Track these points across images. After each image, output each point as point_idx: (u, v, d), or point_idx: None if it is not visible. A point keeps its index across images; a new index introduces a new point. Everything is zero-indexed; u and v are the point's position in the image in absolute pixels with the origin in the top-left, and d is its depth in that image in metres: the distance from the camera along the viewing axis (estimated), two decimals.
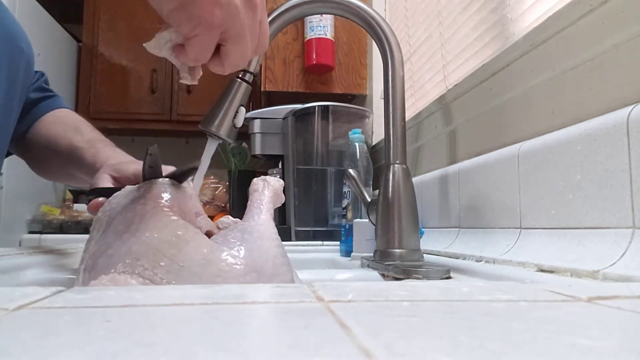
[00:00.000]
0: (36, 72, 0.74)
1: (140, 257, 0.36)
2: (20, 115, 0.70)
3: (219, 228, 0.45)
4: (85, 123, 0.73)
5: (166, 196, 0.41)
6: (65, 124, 0.72)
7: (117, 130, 2.43)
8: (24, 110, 0.71)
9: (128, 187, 0.44)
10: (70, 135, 0.69)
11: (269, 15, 0.73)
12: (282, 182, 0.51)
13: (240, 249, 0.38)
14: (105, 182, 0.55)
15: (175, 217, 0.39)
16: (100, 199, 0.50)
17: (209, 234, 0.41)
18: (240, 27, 0.41)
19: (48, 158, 0.72)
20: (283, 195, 0.51)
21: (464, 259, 0.62)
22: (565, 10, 0.54)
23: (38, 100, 0.73)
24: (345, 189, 1.07)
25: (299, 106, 1.33)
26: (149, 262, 0.36)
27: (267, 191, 0.48)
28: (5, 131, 0.66)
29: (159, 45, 0.42)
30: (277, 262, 0.40)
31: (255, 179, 0.51)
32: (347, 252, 0.90)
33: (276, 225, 0.45)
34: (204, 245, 0.37)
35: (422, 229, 0.82)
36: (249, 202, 0.47)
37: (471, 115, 0.76)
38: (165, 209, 0.39)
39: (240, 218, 0.46)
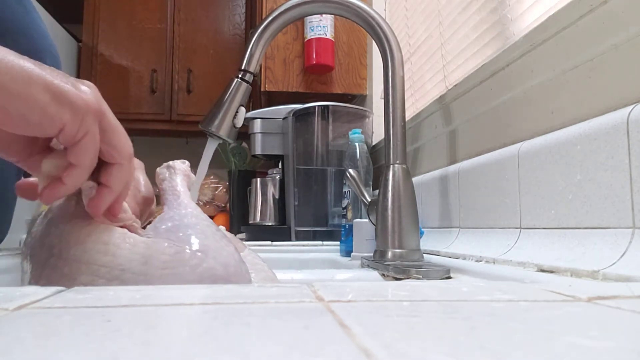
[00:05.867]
0: None
1: (76, 276, 0.34)
2: None
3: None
4: None
5: (73, 207, 0.38)
6: None
7: None
8: None
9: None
10: None
11: (269, 15, 0.73)
12: (187, 162, 0.50)
13: (178, 235, 0.37)
14: None
15: (92, 225, 0.36)
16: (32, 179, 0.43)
17: (130, 230, 0.39)
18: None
19: None
20: (192, 174, 0.50)
21: (464, 259, 0.62)
22: (565, 10, 0.53)
23: None
24: (345, 189, 1.07)
25: (299, 106, 1.33)
26: (87, 277, 0.34)
27: (175, 176, 0.47)
28: None
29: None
30: (217, 236, 0.39)
31: (158, 169, 0.49)
32: (347, 252, 0.90)
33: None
34: (139, 243, 0.36)
35: (422, 229, 0.82)
36: (162, 193, 0.45)
37: (471, 115, 0.76)
38: (80, 221, 0.36)
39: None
